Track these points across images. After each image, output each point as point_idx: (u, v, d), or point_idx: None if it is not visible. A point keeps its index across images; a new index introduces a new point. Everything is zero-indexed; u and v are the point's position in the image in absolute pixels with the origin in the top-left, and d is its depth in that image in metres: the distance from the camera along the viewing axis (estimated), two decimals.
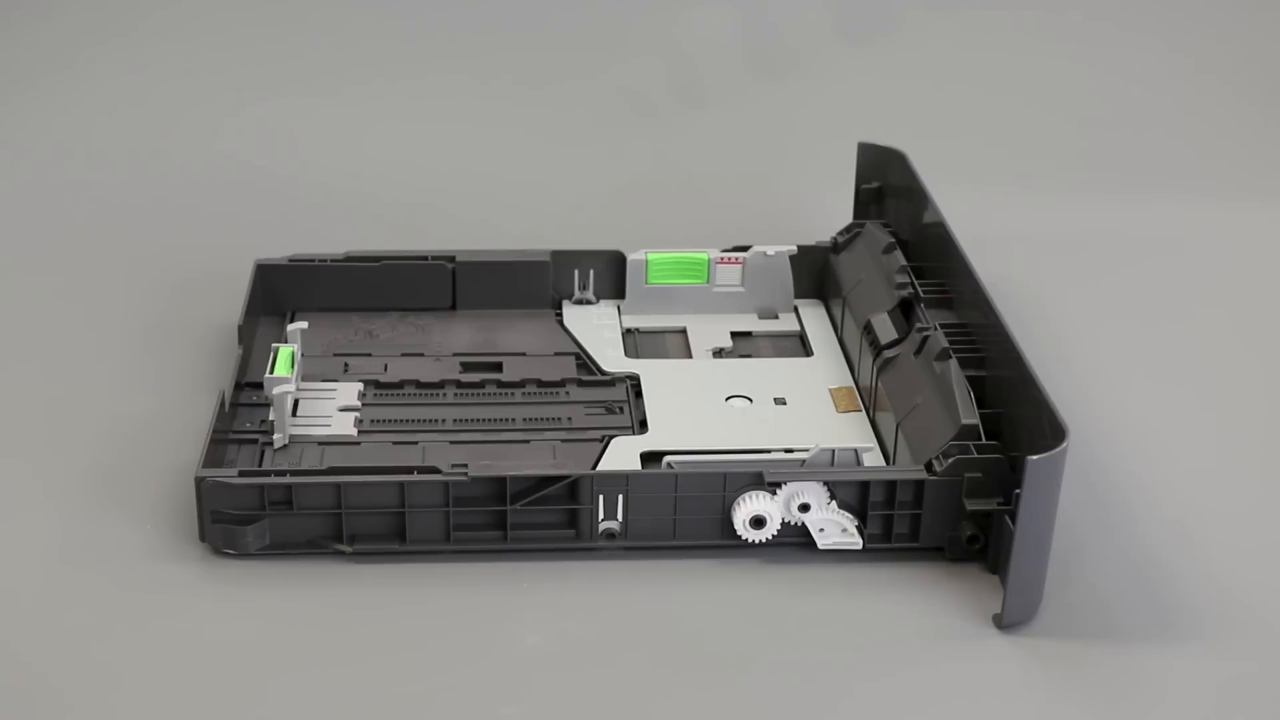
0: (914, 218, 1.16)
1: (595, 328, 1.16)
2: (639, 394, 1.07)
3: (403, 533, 0.93)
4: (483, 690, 0.85)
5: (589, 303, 1.19)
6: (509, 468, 0.94)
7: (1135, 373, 1.16)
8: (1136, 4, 1.51)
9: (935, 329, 1.03)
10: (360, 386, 1.08)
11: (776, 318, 1.19)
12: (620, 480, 0.93)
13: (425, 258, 1.18)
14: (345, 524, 0.93)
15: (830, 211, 1.29)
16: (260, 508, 0.92)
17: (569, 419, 1.05)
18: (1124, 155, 1.45)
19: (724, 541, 0.95)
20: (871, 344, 1.07)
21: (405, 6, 1.49)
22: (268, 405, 1.02)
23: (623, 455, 0.99)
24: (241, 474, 0.93)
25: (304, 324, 1.08)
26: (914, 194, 1.17)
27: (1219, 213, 1.39)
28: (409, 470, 0.93)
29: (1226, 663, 0.88)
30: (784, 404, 1.07)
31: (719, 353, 1.14)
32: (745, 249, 1.18)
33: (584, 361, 1.11)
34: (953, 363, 0.99)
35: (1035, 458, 0.85)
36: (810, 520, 0.93)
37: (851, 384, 1.10)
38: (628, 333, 1.16)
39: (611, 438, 1.01)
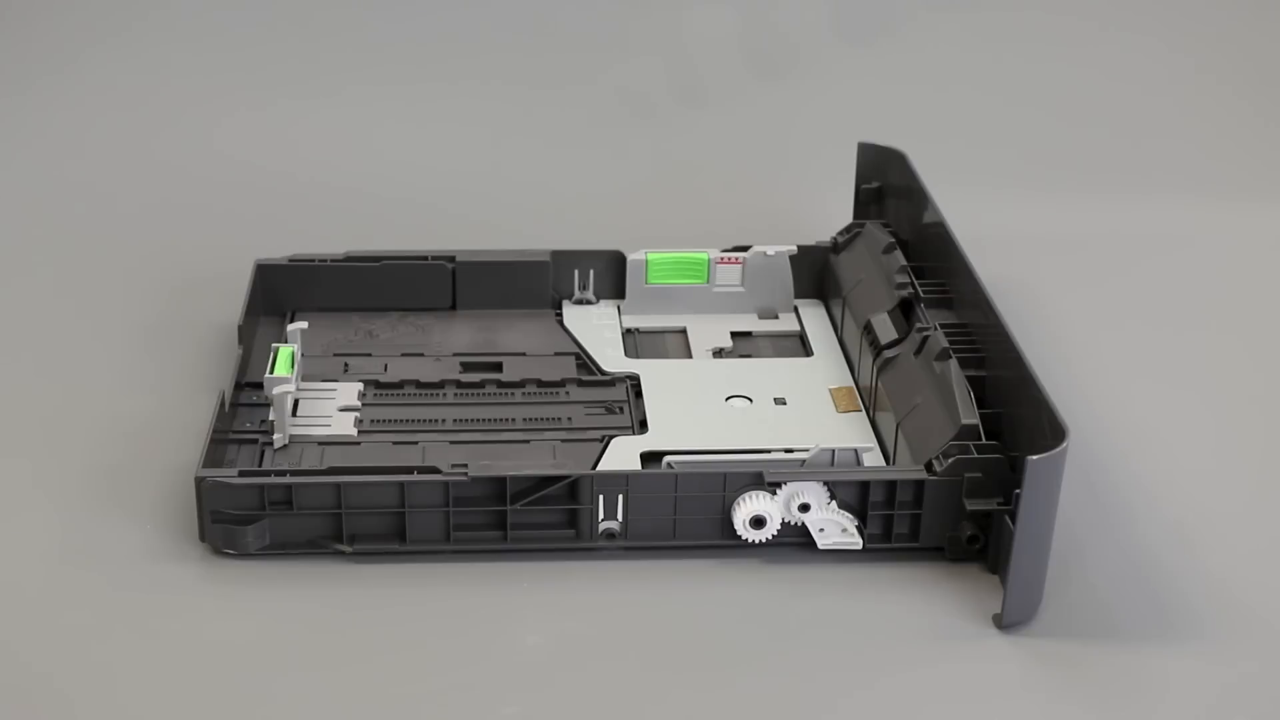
0: (914, 218, 1.16)
1: (595, 328, 1.16)
2: (639, 394, 1.07)
3: (403, 533, 0.93)
4: (483, 690, 0.85)
5: (589, 303, 1.19)
6: (509, 468, 0.94)
7: (1135, 373, 1.16)
8: (1136, 4, 1.51)
9: (935, 329, 1.03)
10: (360, 386, 1.08)
11: (776, 318, 1.19)
12: (620, 480, 0.93)
13: (425, 258, 1.18)
14: (345, 524, 0.93)
15: (830, 211, 1.29)
16: (260, 508, 0.92)
17: (569, 419, 1.05)
18: (1124, 155, 1.45)
19: (724, 541, 0.95)
20: (871, 344, 1.07)
21: (405, 6, 1.49)
22: (268, 405, 1.02)
23: (623, 455, 0.99)
24: (241, 474, 0.93)
25: (304, 324, 1.08)
26: (914, 194, 1.17)
27: (1219, 213, 1.39)
28: (409, 470, 0.93)
29: (1226, 663, 0.88)
30: (784, 404, 1.07)
31: (719, 353, 1.14)
32: (745, 249, 1.18)
33: (584, 361, 1.11)
34: (953, 363, 0.99)
35: (1035, 458, 0.85)
36: (810, 520, 0.93)
37: (851, 384, 1.10)
38: (628, 333, 1.16)
39: (611, 438, 1.01)
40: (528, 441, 1.02)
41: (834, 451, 0.97)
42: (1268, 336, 1.22)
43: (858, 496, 0.94)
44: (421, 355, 1.12)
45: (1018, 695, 0.85)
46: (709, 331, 1.16)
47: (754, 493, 0.93)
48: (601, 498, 0.93)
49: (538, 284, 1.18)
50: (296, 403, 1.04)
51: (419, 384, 1.08)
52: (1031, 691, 0.86)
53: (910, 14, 1.50)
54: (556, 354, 1.13)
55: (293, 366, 1.03)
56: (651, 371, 1.09)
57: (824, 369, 1.12)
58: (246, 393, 1.06)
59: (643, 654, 0.87)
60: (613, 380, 1.09)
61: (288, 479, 0.92)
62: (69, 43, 1.47)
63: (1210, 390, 1.15)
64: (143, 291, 1.24)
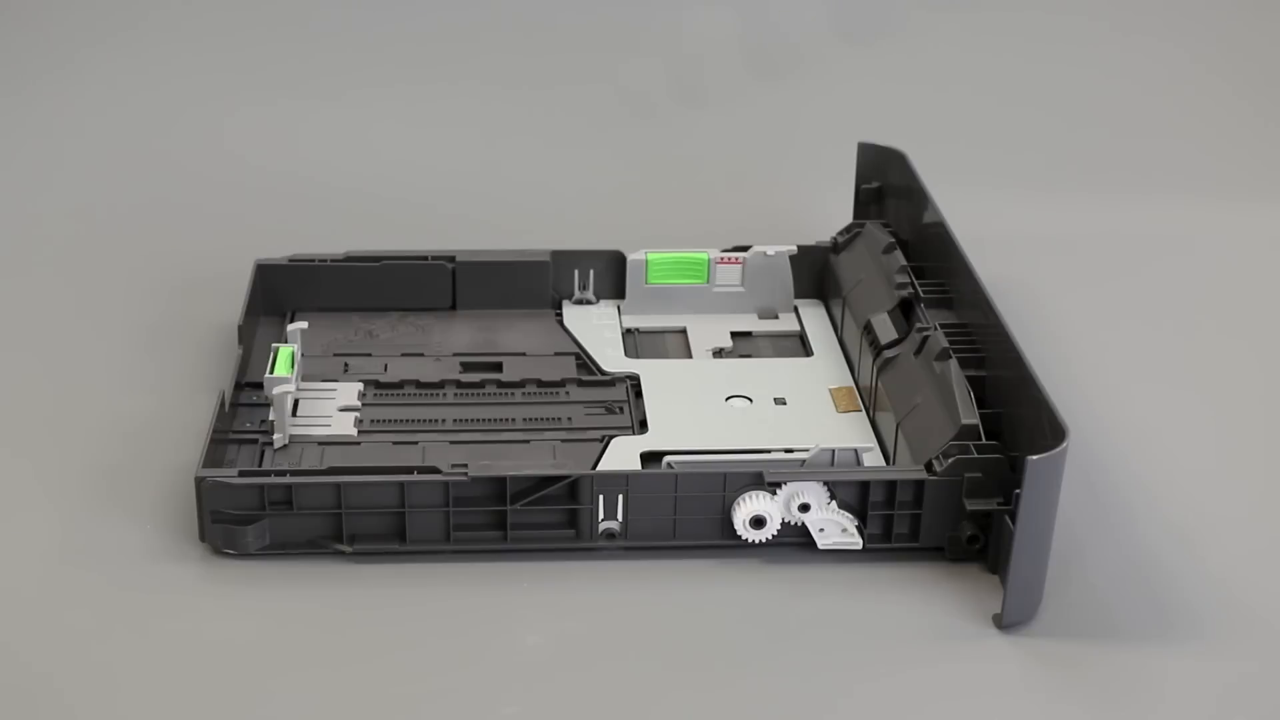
0: (914, 218, 1.16)
1: (595, 328, 1.16)
2: (639, 394, 1.07)
3: (403, 533, 0.93)
4: (483, 690, 0.85)
5: (589, 303, 1.19)
6: (509, 468, 0.94)
7: (1135, 373, 1.16)
8: (1136, 4, 1.51)
9: (935, 329, 1.03)
10: (360, 386, 1.08)
11: (776, 318, 1.19)
12: (620, 480, 0.93)
13: (425, 258, 1.18)
14: (345, 524, 0.93)
15: (830, 211, 1.29)
16: (260, 508, 0.92)
17: (569, 419, 1.05)
18: (1124, 155, 1.45)
19: (724, 541, 0.95)
20: (871, 344, 1.07)
21: (405, 7, 1.49)
22: (268, 405, 1.02)
23: (623, 455, 0.99)
24: (241, 474, 0.93)
25: (304, 324, 1.08)
26: (914, 194, 1.17)
27: (1219, 213, 1.39)
28: (409, 470, 0.93)
29: (1226, 663, 0.88)
30: (784, 404, 1.07)
31: (719, 353, 1.14)
32: (745, 249, 1.18)
33: (584, 361, 1.11)
34: (953, 363, 0.99)
35: (1035, 458, 0.85)
36: (810, 520, 0.93)
37: (851, 384, 1.10)
38: (628, 333, 1.16)
39: (611, 438, 1.01)
40: (528, 441, 1.02)
41: (834, 451, 0.97)
42: (1268, 336, 1.22)
43: (858, 496, 0.94)
44: (421, 355, 1.12)
45: (1018, 695, 0.85)
46: (709, 331, 1.16)
47: (754, 493, 0.93)
48: (601, 498, 0.93)
49: (538, 284, 1.18)
50: (296, 403, 1.04)
51: (419, 384, 1.08)
52: (1031, 691, 0.86)
53: (910, 14, 1.50)
54: (556, 354, 1.13)
55: (293, 366, 1.03)
56: (651, 371, 1.10)
57: (824, 369, 1.12)
58: (246, 393, 1.06)
59: (643, 654, 0.87)
60: (613, 380, 1.09)
61: (288, 479, 0.92)
62: (69, 43, 1.47)
63: (1210, 390, 1.15)
64: (143, 291, 1.24)
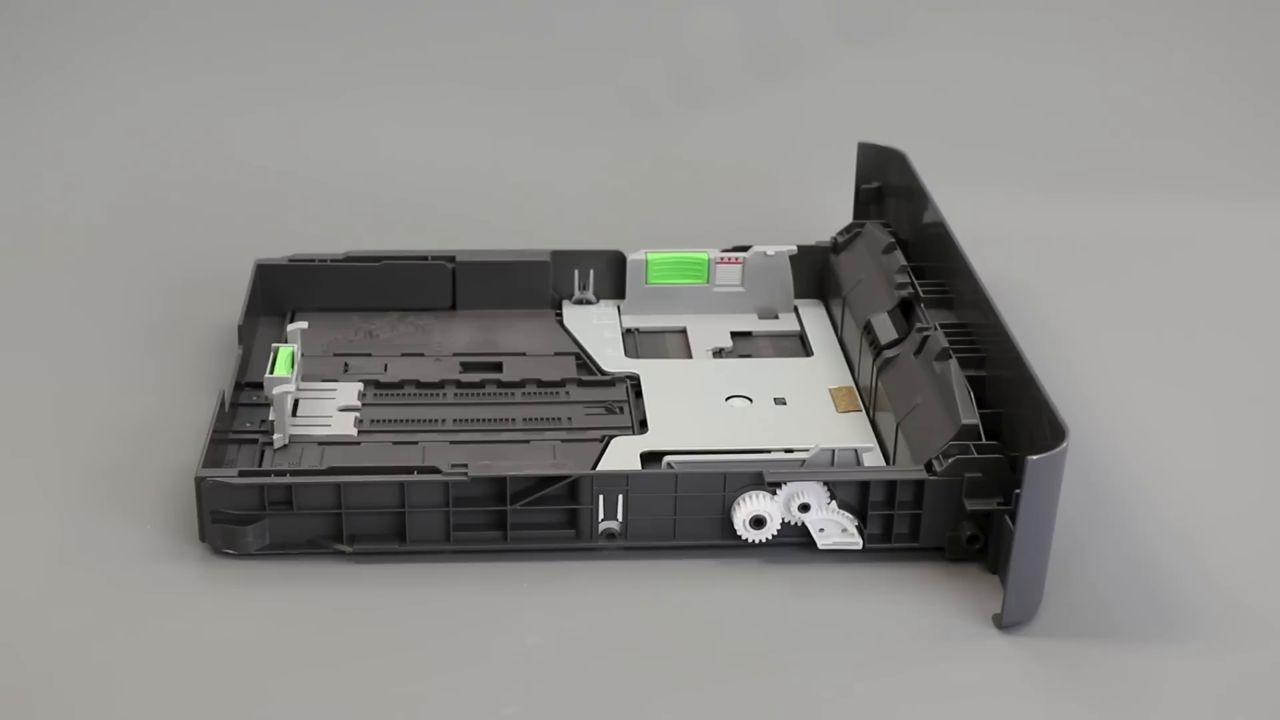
0: (914, 218, 1.16)
1: (595, 328, 1.16)
2: (639, 394, 1.07)
3: (403, 533, 0.93)
4: (483, 690, 0.85)
5: (589, 303, 1.19)
6: (509, 468, 0.94)
7: (1135, 373, 1.16)
8: (1136, 4, 1.51)
9: (935, 329, 1.03)
10: (360, 386, 1.08)
11: (776, 318, 1.19)
12: (620, 480, 0.93)
13: (425, 258, 1.18)
14: (345, 524, 0.93)
15: (830, 211, 1.29)
16: (260, 508, 0.92)
17: (569, 419, 1.05)
18: (1124, 155, 1.45)
19: (724, 541, 0.95)
20: (871, 344, 1.07)
21: (406, 7, 1.49)
22: (268, 405, 1.02)
23: (623, 455, 0.99)
24: (241, 474, 0.93)
25: (304, 324, 1.08)
26: (914, 194, 1.17)
27: (1219, 213, 1.39)
28: (409, 470, 0.93)
29: (1226, 663, 0.88)
30: (784, 404, 1.07)
31: (719, 353, 1.14)
32: (745, 249, 1.18)
33: (584, 361, 1.11)
34: (953, 363, 0.99)
35: (1035, 458, 0.85)
36: (810, 520, 0.93)
37: (851, 384, 1.10)
38: (628, 333, 1.16)
39: (611, 438, 1.01)
40: (528, 441, 1.02)
41: (834, 451, 0.97)
42: (1267, 336, 1.22)
43: (858, 496, 0.94)
44: (421, 355, 1.12)
45: (1018, 695, 0.85)
46: (709, 331, 1.16)
47: (754, 493, 0.93)
48: (601, 498, 0.93)
49: (538, 284, 1.18)
50: (296, 403, 1.04)
51: (419, 384, 1.08)
52: (1031, 691, 0.86)
53: (910, 14, 1.50)
54: (556, 354, 1.13)
55: (293, 366, 1.03)
56: (651, 371, 1.09)
57: (824, 369, 1.12)
58: (246, 393, 1.06)
59: (643, 654, 0.87)
60: (613, 380, 1.09)
61: (288, 479, 0.92)
62: (69, 43, 1.47)
63: (1210, 390, 1.15)
64: (143, 291, 1.24)
